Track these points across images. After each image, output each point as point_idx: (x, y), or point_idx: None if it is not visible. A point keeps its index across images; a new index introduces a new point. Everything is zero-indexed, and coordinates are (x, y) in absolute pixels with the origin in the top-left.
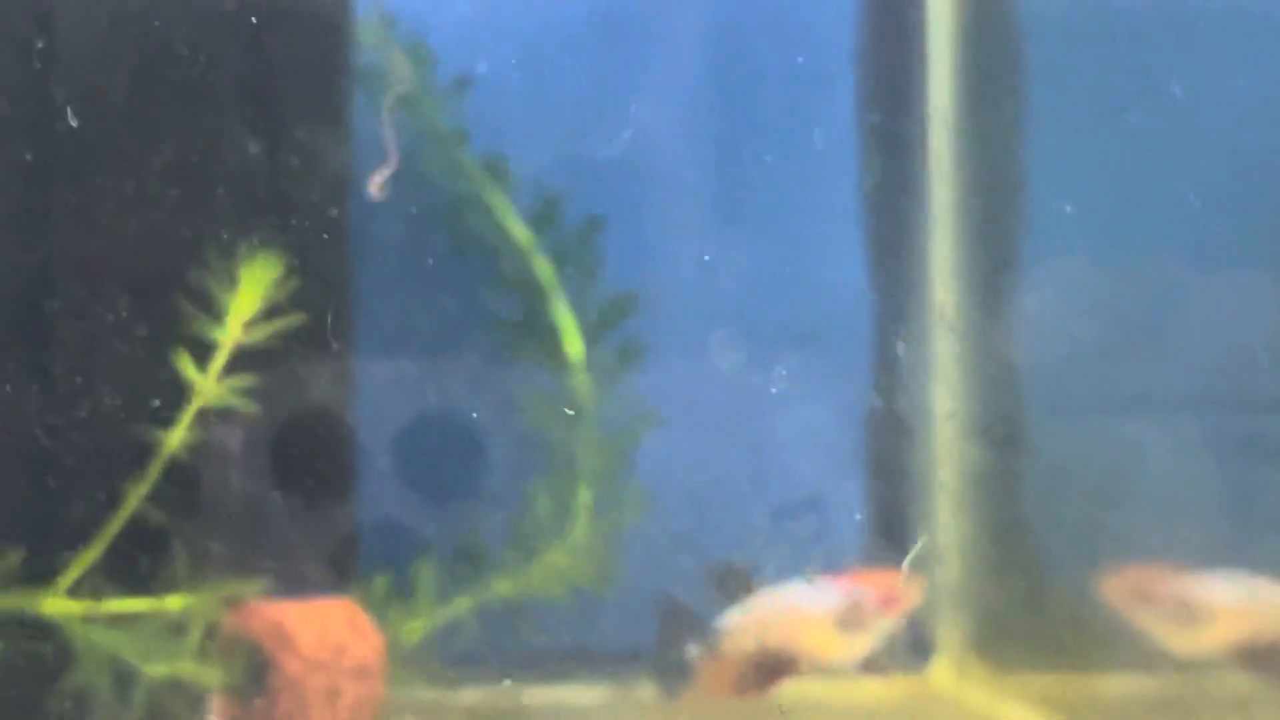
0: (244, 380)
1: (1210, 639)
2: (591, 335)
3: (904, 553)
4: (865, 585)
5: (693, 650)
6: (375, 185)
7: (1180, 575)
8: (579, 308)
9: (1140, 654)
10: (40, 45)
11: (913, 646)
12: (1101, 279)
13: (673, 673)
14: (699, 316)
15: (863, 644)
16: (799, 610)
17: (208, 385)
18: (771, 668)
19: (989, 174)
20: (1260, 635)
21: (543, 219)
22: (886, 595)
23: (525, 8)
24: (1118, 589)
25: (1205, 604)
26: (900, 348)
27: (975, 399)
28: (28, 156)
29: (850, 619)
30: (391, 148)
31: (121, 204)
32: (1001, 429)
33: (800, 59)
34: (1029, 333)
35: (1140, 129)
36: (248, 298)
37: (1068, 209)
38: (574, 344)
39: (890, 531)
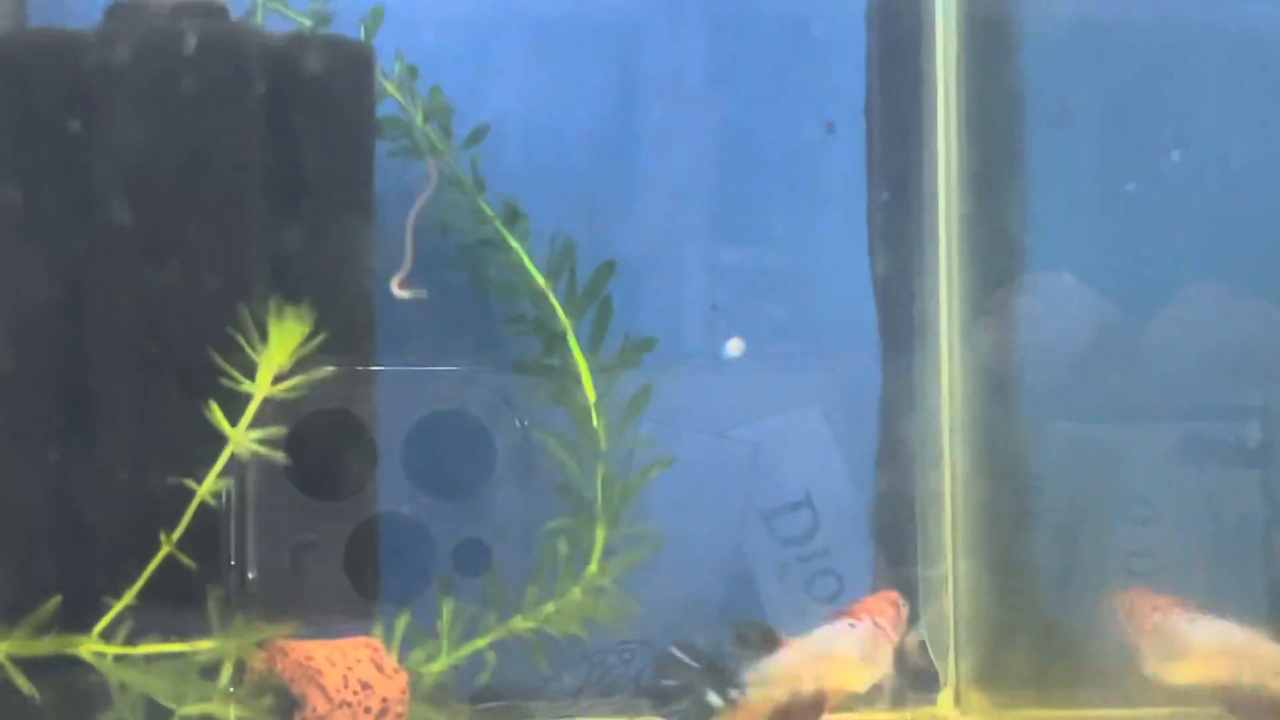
0: (273, 430)
1: (1190, 673)
2: (606, 377)
3: (907, 581)
4: (875, 613)
5: (714, 699)
6: (396, 284)
7: (1176, 607)
8: (594, 351)
9: (1137, 688)
10: (73, 123)
11: (920, 680)
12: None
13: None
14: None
15: (882, 669)
16: (827, 653)
17: (238, 436)
18: (804, 711)
19: (992, 214)
20: (1237, 678)
21: (558, 263)
22: (892, 617)
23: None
24: (1120, 610)
25: (1189, 639)
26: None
27: (978, 435)
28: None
29: (870, 650)
30: (410, 249)
31: (150, 264)
32: (1004, 464)
33: (811, 107)
34: (1030, 362)
35: (1137, 174)
36: (277, 353)
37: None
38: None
39: (894, 567)
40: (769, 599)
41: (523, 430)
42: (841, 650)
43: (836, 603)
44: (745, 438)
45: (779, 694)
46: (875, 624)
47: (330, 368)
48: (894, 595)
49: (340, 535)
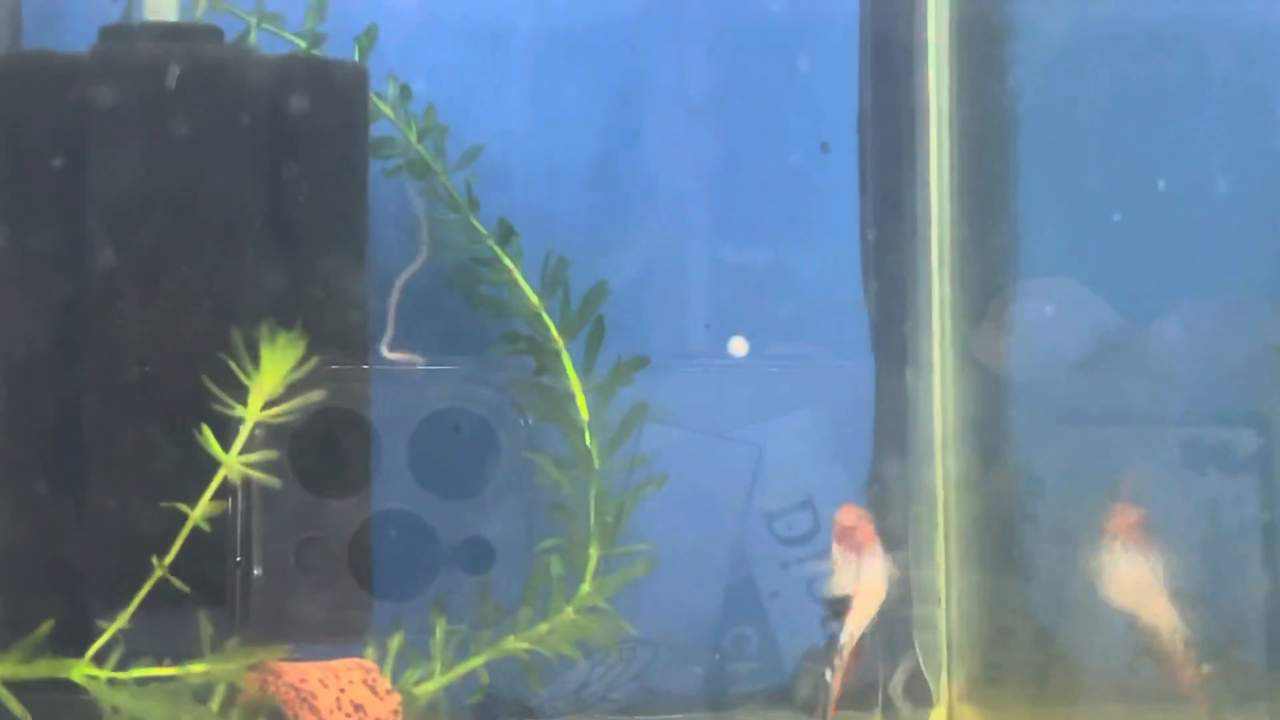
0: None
1: (1111, 594)
2: (600, 396)
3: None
4: (871, 532)
5: (828, 674)
6: (386, 346)
7: (1132, 531)
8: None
9: (1131, 707)
10: (68, 144)
11: (914, 697)
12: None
13: (819, 697)
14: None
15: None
16: (874, 585)
17: (230, 460)
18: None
19: (985, 230)
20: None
21: (551, 282)
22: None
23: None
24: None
25: (1116, 565)
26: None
27: (971, 458)
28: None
29: (888, 562)
30: (393, 313)
31: (144, 285)
32: (998, 473)
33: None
34: (1026, 369)
35: (1131, 191)
36: (269, 378)
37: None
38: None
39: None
40: (769, 599)
41: (527, 428)
42: (880, 575)
43: (837, 603)
44: (748, 438)
45: (854, 640)
46: (876, 540)
47: (322, 386)
48: (857, 509)
49: (344, 532)
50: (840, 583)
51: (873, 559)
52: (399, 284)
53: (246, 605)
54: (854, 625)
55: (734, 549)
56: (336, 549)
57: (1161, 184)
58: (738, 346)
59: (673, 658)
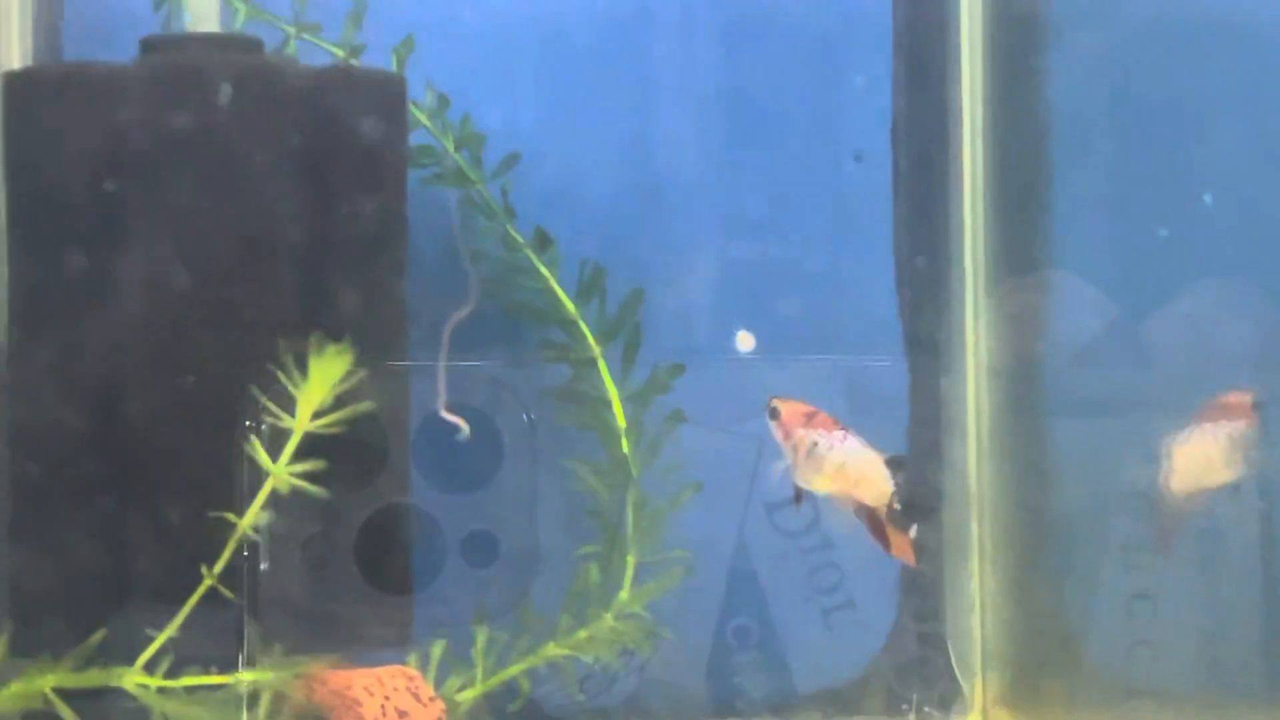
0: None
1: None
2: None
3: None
4: (821, 415)
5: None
6: (442, 406)
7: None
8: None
9: (1166, 710)
10: (110, 156)
11: (947, 702)
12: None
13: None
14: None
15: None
16: (864, 455)
17: (279, 471)
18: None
19: (1018, 237)
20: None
21: (588, 289)
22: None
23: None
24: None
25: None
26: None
27: (1004, 462)
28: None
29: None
30: (442, 370)
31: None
32: (1031, 475)
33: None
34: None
35: (1164, 200)
36: (317, 388)
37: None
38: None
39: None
40: (771, 589)
41: (529, 424)
42: (861, 444)
43: (837, 594)
44: (750, 433)
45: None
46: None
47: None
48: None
49: (351, 527)
50: (823, 459)
51: (847, 437)
52: (447, 333)
53: (261, 605)
54: (869, 496)
55: (736, 538)
56: (345, 547)
57: (1201, 191)
58: (744, 341)
59: (673, 651)
